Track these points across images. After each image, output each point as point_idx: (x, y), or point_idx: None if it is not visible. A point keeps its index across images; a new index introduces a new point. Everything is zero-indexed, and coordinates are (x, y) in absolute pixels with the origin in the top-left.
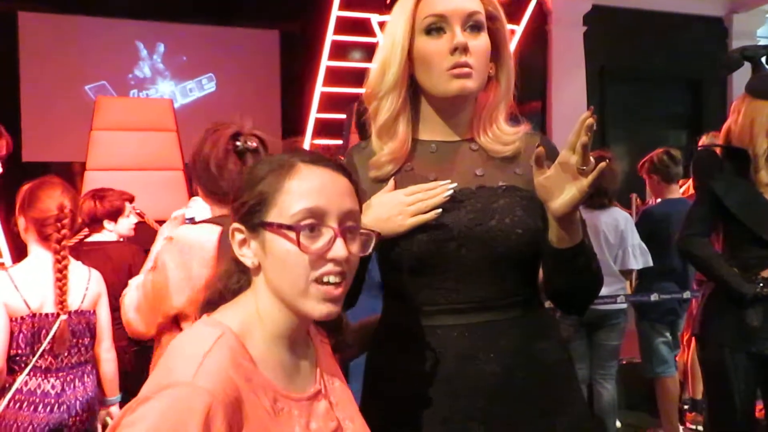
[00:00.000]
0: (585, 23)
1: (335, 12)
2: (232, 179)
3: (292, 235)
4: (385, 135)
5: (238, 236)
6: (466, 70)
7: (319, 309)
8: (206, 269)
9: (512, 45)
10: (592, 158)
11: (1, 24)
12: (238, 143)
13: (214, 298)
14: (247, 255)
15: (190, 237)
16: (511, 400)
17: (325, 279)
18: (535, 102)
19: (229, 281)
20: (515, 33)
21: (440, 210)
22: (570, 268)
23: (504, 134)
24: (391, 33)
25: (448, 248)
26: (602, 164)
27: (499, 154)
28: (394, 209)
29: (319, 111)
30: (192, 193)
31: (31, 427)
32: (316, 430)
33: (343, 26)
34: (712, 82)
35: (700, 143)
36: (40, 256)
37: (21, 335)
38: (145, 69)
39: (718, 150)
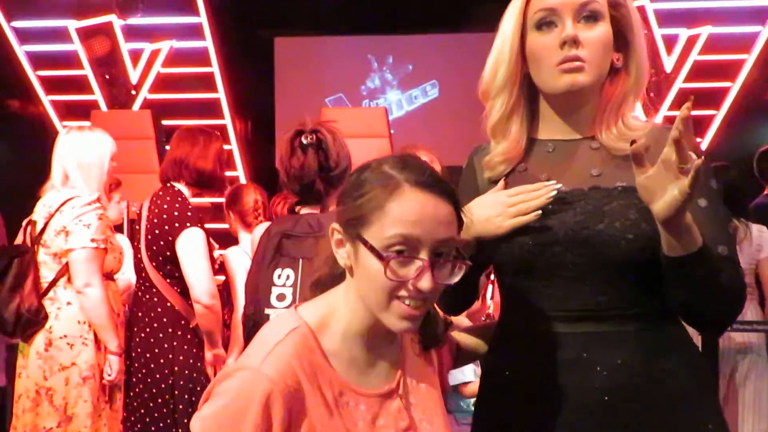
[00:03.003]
0: None
1: None
2: (294, 175)
3: (382, 261)
4: (498, 135)
5: (336, 236)
6: (576, 64)
7: (398, 325)
8: None
9: None
10: (693, 155)
11: (261, 49)
12: (302, 140)
13: (321, 281)
14: (342, 255)
15: None
16: (621, 421)
17: (407, 302)
18: None
19: (333, 267)
20: None
21: (540, 212)
22: (686, 279)
23: (629, 130)
24: (502, 31)
25: (552, 252)
26: (698, 162)
27: (621, 152)
28: (494, 210)
29: None
30: None
31: None
32: (382, 426)
33: None
34: None
35: None
36: (247, 242)
37: None
38: (375, 80)
39: None
